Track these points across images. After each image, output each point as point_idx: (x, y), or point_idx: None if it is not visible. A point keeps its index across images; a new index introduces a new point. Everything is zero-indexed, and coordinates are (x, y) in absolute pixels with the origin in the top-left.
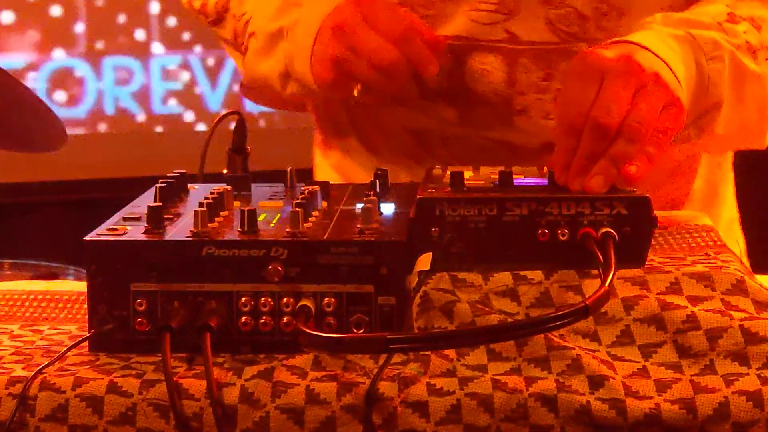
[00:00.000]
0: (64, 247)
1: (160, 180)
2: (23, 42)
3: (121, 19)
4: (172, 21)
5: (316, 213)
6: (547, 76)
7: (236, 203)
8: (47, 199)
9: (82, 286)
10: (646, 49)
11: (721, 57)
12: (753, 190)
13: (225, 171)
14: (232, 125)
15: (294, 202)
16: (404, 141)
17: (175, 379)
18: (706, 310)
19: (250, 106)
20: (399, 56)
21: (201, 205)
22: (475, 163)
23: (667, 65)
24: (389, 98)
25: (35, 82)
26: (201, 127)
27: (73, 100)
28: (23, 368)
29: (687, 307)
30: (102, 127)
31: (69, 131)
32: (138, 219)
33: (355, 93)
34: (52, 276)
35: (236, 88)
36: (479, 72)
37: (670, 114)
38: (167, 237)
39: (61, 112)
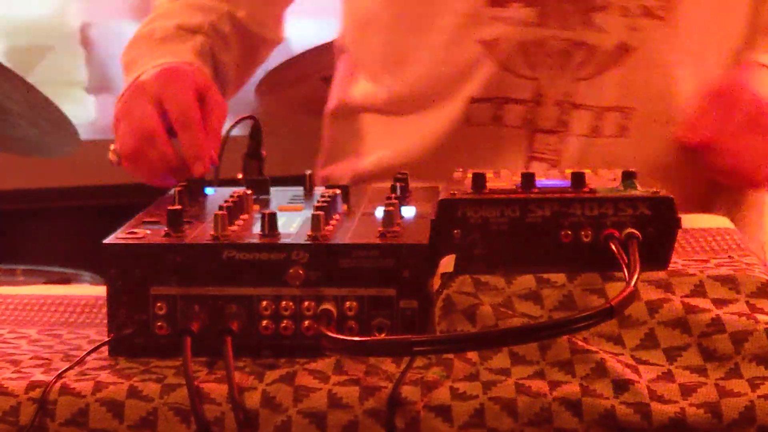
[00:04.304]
0: (78, 253)
1: (179, 183)
2: None
3: None
4: None
5: (337, 216)
6: None
7: (256, 207)
8: (60, 204)
9: (99, 290)
10: None
11: None
12: None
13: (240, 176)
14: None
15: (315, 205)
16: (478, 56)
17: (196, 383)
18: (731, 314)
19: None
20: (160, 129)
21: (221, 208)
22: (547, 71)
23: None
24: (149, 168)
25: None
26: None
27: None
28: (42, 373)
29: (712, 310)
30: None
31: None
32: (157, 222)
33: (110, 153)
34: (65, 282)
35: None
36: None
37: None
38: (187, 240)
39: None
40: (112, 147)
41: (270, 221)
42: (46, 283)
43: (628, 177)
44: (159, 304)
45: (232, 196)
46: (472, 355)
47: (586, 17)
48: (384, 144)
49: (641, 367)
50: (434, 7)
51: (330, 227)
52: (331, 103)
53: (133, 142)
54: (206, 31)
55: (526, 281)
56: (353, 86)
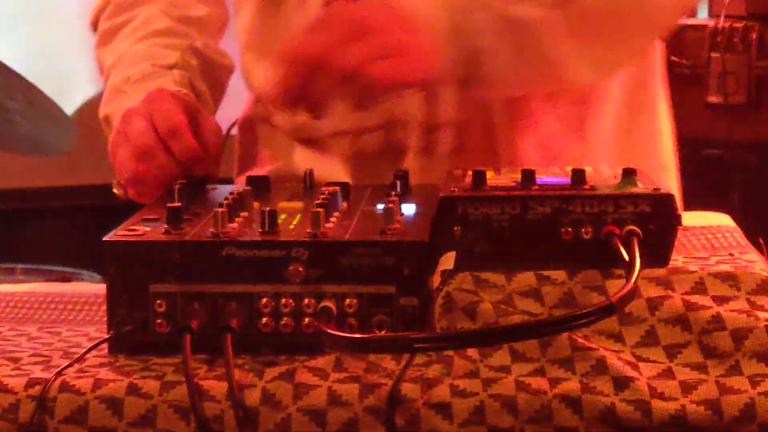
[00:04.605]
0: (77, 252)
1: (179, 181)
2: None
3: None
4: None
5: (337, 214)
6: None
7: (256, 204)
8: (60, 204)
9: (99, 287)
10: None
11: None
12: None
13: None
14: None
15: (315, 202)
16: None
17: (195, 380)
18: (732, 311)
19: None
20: (155, 142)
21: (221, 205)
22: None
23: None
24: (154, 187)
25: None
26: None
27: None
28: (42, 370)
29: (712, 308)
30: None
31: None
32: (157, 219)
33: (115, 187)
34: (65, 280)
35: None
36: None
37: None
38: (187, 237)
39: None
40: (114, 181)
41: (270, 218)
42: (46, 281)
43: (629, 174)
44: (159, 302)
45: (231, 194)
46: (472, 353)
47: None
48: (276, 157)
49: (642, 365)
50: (274, 37)
51: (330, 224)
52: (241, 114)
53: (133, 164)
54: (181, 65)
55: (527, 278)
56: (252, 101)
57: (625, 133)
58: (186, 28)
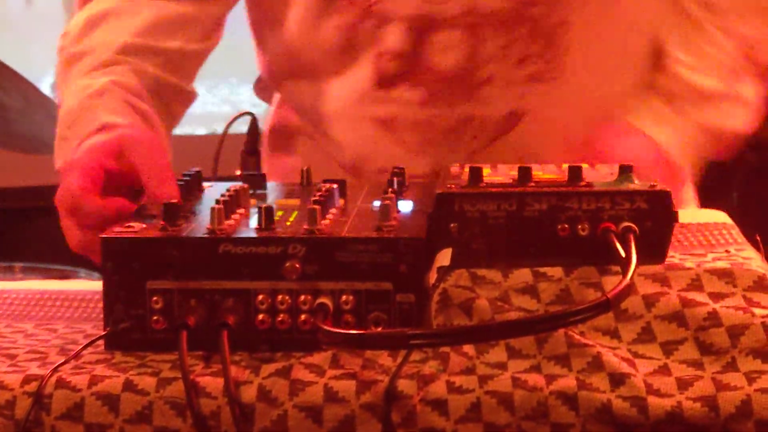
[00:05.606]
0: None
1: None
2: None
3: None
4: None
5: (333, 210)
6: (508, 42)
7: (252, 201)
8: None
9: (96, 285)
10: None
11: None
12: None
13: (238, 172)
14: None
15: (312, 199)
16: (370, 131)
17: (192, 377)
18: (728, 307)
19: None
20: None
21: (218, 202)
22: (443, 146)
23: None
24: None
25: None
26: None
27: None
28: (38, 366)
29: (708, 304)
30: None
31: None
32: (154, 216)
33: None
34: (63, 278)
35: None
36: (441, 50)
37: None
38: (184, 234)
39: None
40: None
41: (267, 215)
42: (44, 279)
43: (625, 171)
44: (155, 299)
45: (228, 191)
46: (469, 349)
47: (471, 93)
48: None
49: (638, 361)
50: (323, 91)
51: (327, 221)
52: (268, 120)
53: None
54: (110, 89)
55: (523, 275)
56: (284, 111)
57: None
58: (126, 57)
